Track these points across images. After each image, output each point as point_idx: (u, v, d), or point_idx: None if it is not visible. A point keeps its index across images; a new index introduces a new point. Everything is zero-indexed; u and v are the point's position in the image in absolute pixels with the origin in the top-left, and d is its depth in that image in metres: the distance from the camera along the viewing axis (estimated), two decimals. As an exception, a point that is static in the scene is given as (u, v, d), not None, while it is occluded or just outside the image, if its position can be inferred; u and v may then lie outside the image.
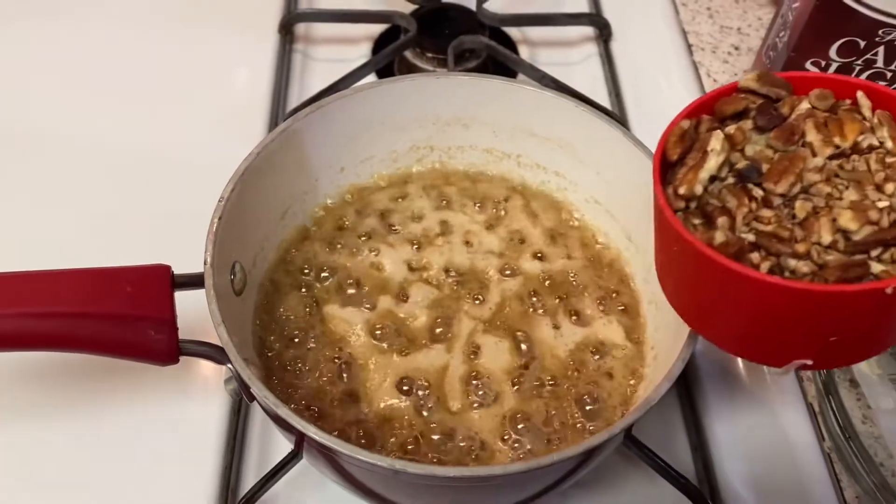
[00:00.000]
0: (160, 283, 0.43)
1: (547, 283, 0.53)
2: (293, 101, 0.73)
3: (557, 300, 0.52)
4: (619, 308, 0.52)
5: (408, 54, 0.77)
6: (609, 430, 0.39)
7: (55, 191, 0.66)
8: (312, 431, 0.38)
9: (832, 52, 0.62)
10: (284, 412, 0.38)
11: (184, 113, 0.72)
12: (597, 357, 0.50)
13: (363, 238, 0.55)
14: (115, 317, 0.41)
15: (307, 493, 0.52)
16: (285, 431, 0.44)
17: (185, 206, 0.61)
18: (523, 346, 0.50)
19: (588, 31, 0.81)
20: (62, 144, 0.69)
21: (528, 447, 0.46)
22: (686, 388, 0.57)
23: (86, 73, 0.75)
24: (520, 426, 0.47)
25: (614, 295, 0.53)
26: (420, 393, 0.48)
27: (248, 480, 0.52)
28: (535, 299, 0.52)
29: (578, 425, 0.47)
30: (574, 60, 0.80)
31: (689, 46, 0.80)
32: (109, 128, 0.70)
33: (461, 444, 0.46)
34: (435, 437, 0.46)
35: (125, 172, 0.67)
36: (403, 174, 0.58)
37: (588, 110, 0.52)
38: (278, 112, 0.72)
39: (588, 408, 0.48)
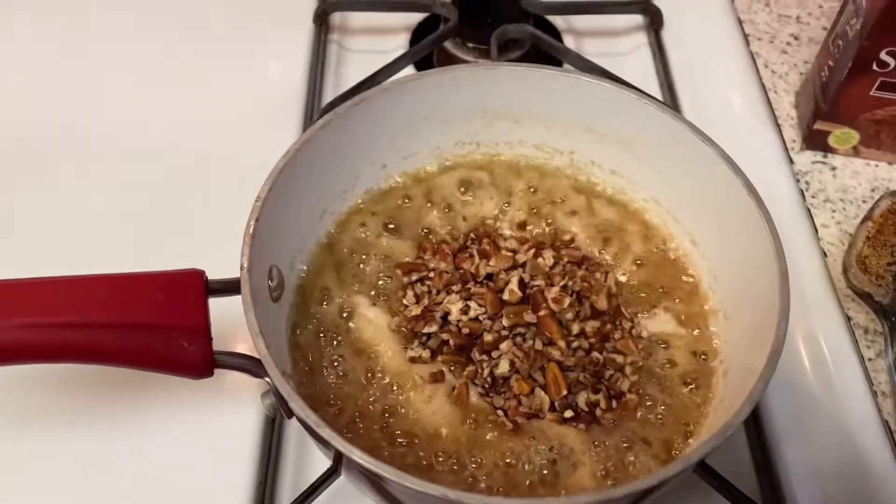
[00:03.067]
0: (193, 289, 0.40)
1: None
2: (329, 95, 0.70)
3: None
4: (682, 319, 0.48)
5: (448, 45, 0.73)
6: (685, 460, 0.36)
7: (81, 191, 0.63)
8: (357, 455, 0.35)
9: (911, 41, 0.57)
10: (327, 433, 0.35)
11: (216, 108, 0.69)
12: (657, 369, 0.46)
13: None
14: (145, 327, 0.37)
15: (346, 509, 0.49)
16: (325, 449, 0.40)
17: (217, 206, 0.58)
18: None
19: (638, 19, 0.77)
20: (89, 142, 0.66)
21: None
22: (750, 402, 0.53)
23: (115, 68, 0.72)
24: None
25: (677, 302, 0.49)
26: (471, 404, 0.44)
27: (284, 497, 0.49)
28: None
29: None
30: (623, 51, 0.75)
31: (746, 36, 0.76)
32: (138, 124, 0.67)
33: (524, 465, 0.42)
34: (484, 456, 0.43)
35: (155, 171, 0.64)
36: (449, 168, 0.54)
37: (652, 103, 0.48)
38: (314, 106, 0.68)
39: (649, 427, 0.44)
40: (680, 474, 0.36)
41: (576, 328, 0.46)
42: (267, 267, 0.44)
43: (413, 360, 0.46)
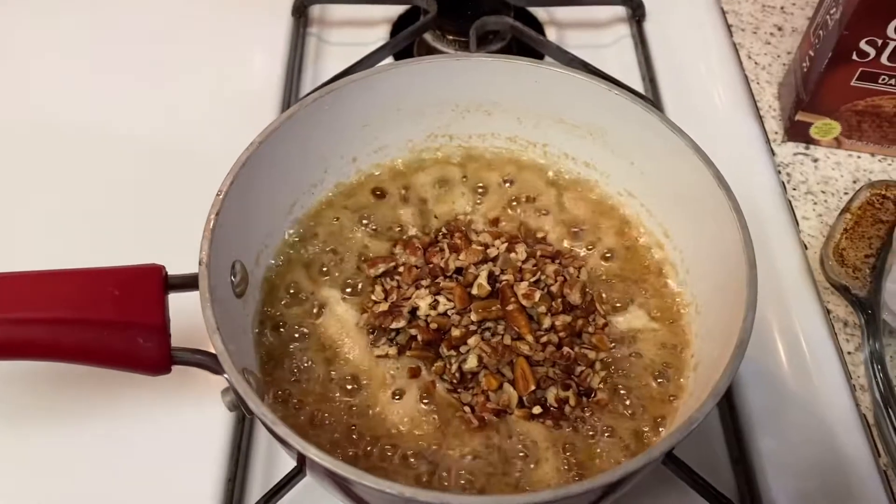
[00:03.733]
0: (151, 285, 0.39)
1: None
2: (307, 87, 0.70)
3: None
4: (655, 313, 0.48)
5: (427, 37, 0.73)
6: (648, 454, 0.35)
7: (40, 183, 0.62)
8: (313, 453, 0.34)
9: (890, 30, 0.56)
10: (283, 431, 0.35)
11: (191, 100, 0.68)
12: (628, 364, 0.46)
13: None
14: (100, 323, 0.37)
15: (315, 506, 0.48)
16: (287, 449, 0.40)
17: (186, 200, 0.57)
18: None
19: (619, 11, 0.76)
20: (54, 135, 0.65)
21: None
22: (726, 396, 0.53)
23: (89, 58, 0.71)
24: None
25: (649, 296, 0.48)
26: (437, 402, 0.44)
27: (253, 493, 0.49)
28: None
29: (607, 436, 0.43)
30: (605, 43, 0.75)
31: (729, 27, 0.75)
32: (108, 117, 0.66)
33: (488, 461, 0.42)
34: (456, 450, 0.42)
35: (121, 163, 0.63)
36: (418, 163, 0.53)
37: (622, 94, 0.47)
38: (290, 98, 0.68)
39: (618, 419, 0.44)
40: (643, 469, 0.36)
41: (546, 322, 0.46)
42: (230, 262, 0.43)
43: (380, 357, 0.45)
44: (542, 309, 0.46)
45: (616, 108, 0.48)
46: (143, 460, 0.50)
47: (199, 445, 0.50)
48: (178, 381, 0.50)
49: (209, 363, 0.39)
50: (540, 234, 0.51)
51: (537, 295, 0.46)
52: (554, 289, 0.47)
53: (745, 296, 0.39)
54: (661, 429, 0.44)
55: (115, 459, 0.50)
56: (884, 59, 0.58)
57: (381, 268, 0.48)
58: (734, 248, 0.42)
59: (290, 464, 0.48)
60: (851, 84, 0.60)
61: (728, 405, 0.53)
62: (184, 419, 0.51)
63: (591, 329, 0.47)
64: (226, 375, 0.38)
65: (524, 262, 0.48)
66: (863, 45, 0.58)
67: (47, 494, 0.48)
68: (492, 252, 0.48)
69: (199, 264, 0.39)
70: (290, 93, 0.68)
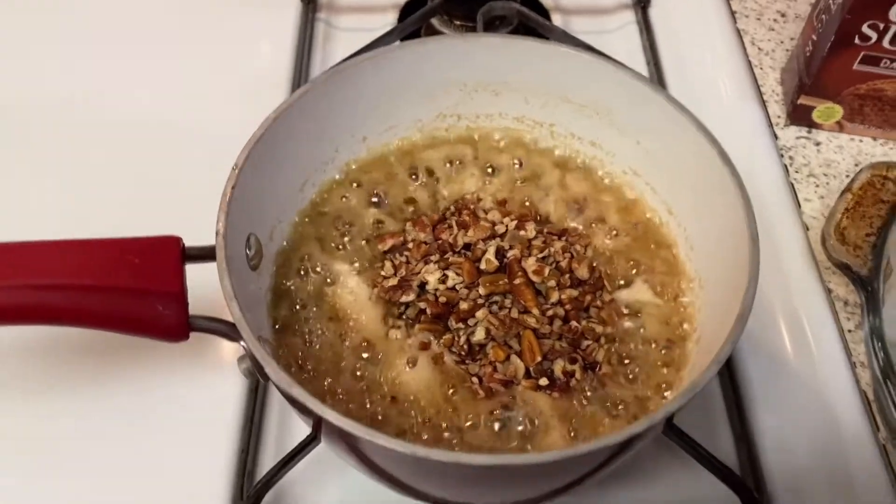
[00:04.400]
0: (169, 254, 0.40)
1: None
2: (316, 71, 0.71)
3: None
4: (659, 288, 0.49)
5: (435, 21, 0.73)
6: (650, 418, 0.36)
7: (63, 159, 0.64)
8: (329, 414, 0.35)
9: (892, 14, 0.57)
10: (299, 393, 0.36)
11: (202, 84, 0.69)
12: (632, 338, 0.47)
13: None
14: (121, 290, 0.38)
15: (327, 477, 0.49)
16: (302, 414, 0.41)
17: (200, 178, 0.58)
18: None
19: (625, -4, 0.77)
20: (73, 112, 0.66)
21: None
22: (728, 372, 0.54)
23: (102, 40, 0.72)
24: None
25: (654, 272, 0.49)
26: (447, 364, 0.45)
27: (266, 464, 0.50)
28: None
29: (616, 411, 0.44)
30: (610, 28, 0.75)
31: (733, 13, 0.76)
32: (124, 97, 0.68)
33: (496, 427, 0.43)
34: (464, 418, 0.43)
35: (139, 143, 0.64)
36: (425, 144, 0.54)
37: (628, 73, 0.48)
38: (300, 83, 0.69)
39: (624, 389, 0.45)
40: (648, 432, 0.37)
41: (554, 297, 0.47)
42: (245, 235, 0.45)
43: (392, 328, 0.46)
44: (552, 283, 0.47)
45: (623, 87, 0.49)
46: (156, 433, 0.51)
47: (211, 417, 0.51)
48: (189, 353, 0.52)
49: (225, 330, 0.41)
50: (545, 213, 0.52)
51: (546, 270, 0.47)
52: (562, 264, 0.48)
53: (747, 269, 0.40)
54: (664, 398, 0.45)
55: (126, 432, 0.51)
56: (885, 43, 0.59)
57: (390, 243, 0.49)
58: (737, 224, 0.43)
59: (301, 433, 0.49)
60: (853, 68, 0.61)
61: (731, 382, 0.54)
62: (196, 392, 0.52)
63: (598, 304, 0.48)
64: (242, 343, 0.39)
65: (533, 238, 0.49)
66: (865, 28, 0.58)
67: (59, 464, 0.50)
68: (499, 229, 0.50)
69: (217, 234, 0.40)
70: (300, 77, 0.69)
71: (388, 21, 0.75)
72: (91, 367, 0.53)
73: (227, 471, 0.49)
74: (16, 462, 0.50)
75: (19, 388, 0.52)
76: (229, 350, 0.53)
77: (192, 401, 0.51)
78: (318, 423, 0.40)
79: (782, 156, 0.65)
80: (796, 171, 0.65)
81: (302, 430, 0.51)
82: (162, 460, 0.50)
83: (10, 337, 0.52)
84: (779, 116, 0.68)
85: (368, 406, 0.44)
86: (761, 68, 0.72)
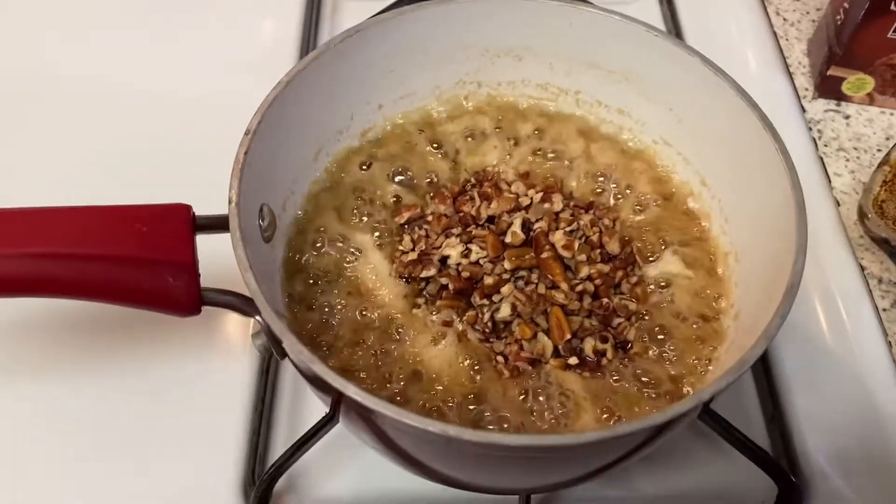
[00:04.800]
0: (179, 223, 0.37)
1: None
2: (324, 41, 0.68)
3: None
4: (691, 261, 0.46)
5: (448, -9, 0.70)
6: (697, 395, 0.34)
7: (71, 128, 0.61)
8: (352, 391, 0.33)
9: (930, -21, 0.55)
10: (321, 369, 0.33)
11: (209, 55, 0.66)
12: (665, 315, 0.44)
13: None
14: (129, 259, 0.35)
15: (343, 459, 0.48)
16: (320, 392, 0.39)
17: (209, 149, 0.56)
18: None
19: (645, -34, 0.74)
20: (81, 83, 0.64)
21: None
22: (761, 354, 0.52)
23: (108, 13, 0.70)
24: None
25: (686, 245, 0.47)
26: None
27: (278, 446, 0.48)
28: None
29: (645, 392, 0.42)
30: (629, -1, 0.73)
31: (757, -18, 0.73)
32: (129, 68, 0.65)
33: (526, 409, 0.41)
34: (491, 400, 0.41)
35: (146, 114, 0.62)
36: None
37: (662, 36, 0.46)
38: (308, 52, 0.66)
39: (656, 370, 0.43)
40: (691, 412, 0.34)
41: (584, 272, 0.44)
42: (257, 205, 0.42)
43: (414, 306, 0.44)
44: (582, 258, 0.44)
45: (655, 51, 0.46)
46: (167, 414, 0.48)
47: (220, 398, 0.48)
48: (196, 331, 0.50)
49: (239, 304, 0.38)
50: (570, 184, 0.50)
51: (576, 244, 0.44)
52: (592, 238, 0.46)
53: (794, 239, 0.38)
54: (699, 380, 0.43)
55: (137, 414, 0.49)
56: (924, 10, 0.56)
57: (406, 216, 0.47)
58: (780, 192, 0.40)
59: (314, 416, 0.47)
60: (888, 36, 0.59)
61: (762, 363, 0.52)
62: (207, 373, 0.50)
63: (631, 280, 0.45)
64: (258, 317, 0.37)
65: (560, 211, 0.46)
66: (900, -4, 0.56)
67: (59, 444, 0.47)
68: (524, 201, 0.47)
69: (230, 203, 0.38)
70: (307, 50, 0.67)
71: (399, -10, 0.72)
72: (94, 346, 0.50)
73: (238, 454, 0.47)
74: (20, 444, 0.48)
75: (19, 368, 0.50)
76: (237, 328, 0.51)
77: (200, 381, 0.49)
78: (338, 402, 0.38)
79: (810, 129, 0.63)
80: (825, 146, 0.62)
81: (314, 411, 0.49)
82: (170, 444, 0.47)
83: (8, 312, 0.50)
84: (806, 89, 0.66)
85: (389, 385, 0.41)
86: (787, 39, 0.69)
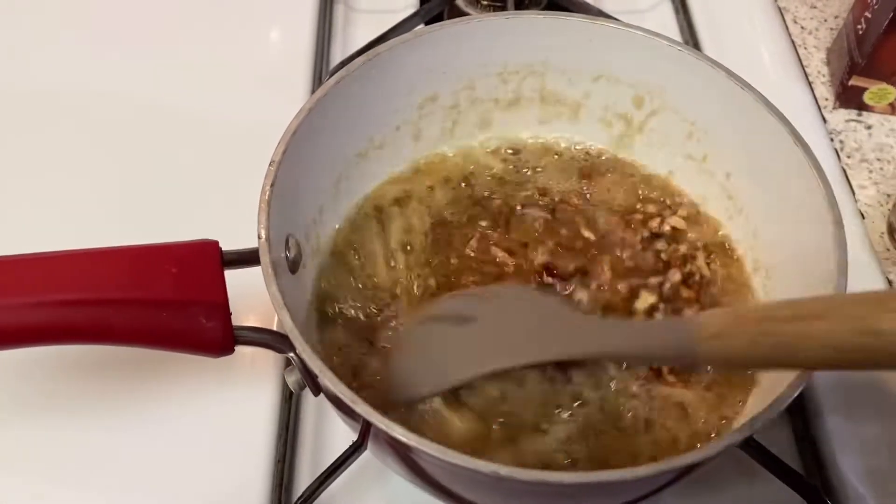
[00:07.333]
0: (209, 261, 0.37)
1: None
2: (337, 57, 0.67)
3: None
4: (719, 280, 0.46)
5: (460, 2, 0.70)
6: (746, 428, 0.33)
7: (83, 160, 0.60)
8: (399, 433, 0.32)
9: (955, -13, 0.54)
10: (363, 409, 0.33)
11: (219, 74, 0.65)
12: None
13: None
14: (161, 303, 0.35)
15: (368, 487, 0.47)
16: (352, 422, 0.38)
17: (224, 174, 0.55)
18: None
19: (659, -27, 0.73)
20: (90, 108, 0.63)
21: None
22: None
23: (115, 32, 0.68)
24: None
25: (711, 262, 0.47)
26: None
27: (303, 475, 0.47)
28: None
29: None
30: (644, 7, 0.72)
31: (773, -10, 0.72)
32: (140, 90, 0.64)
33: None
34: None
35: (156, 140, 0.60)
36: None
37: (686, 50, 0.45)
38: (322, 69, 0.65)
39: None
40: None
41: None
42: (283, 236, 0.41)
43: None
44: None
45: (677, 65, 0.46)
46: (190, 445, 0.47)
47: (246, 428, 0.48)
48: (222, 365, 0.48)
49: (273, 342, 0.37)
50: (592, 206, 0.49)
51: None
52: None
53: (834, 257, 0.38)
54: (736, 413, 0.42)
55: (160, 444, 0.47)
56: (948, 19, 0.56)
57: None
58: (814, 209, 0.40)
59: (339, 443, 0.46)
60: (912, 46, 0.58)
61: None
62: (230, 402, 0.48)
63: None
64: (292, 354, 0.36)
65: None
66: (924, 5, 0.55)
67: (91, 478, 0.46)
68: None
69: (259, 238, 0.37)
70: (321, 64, 0.66)
71: (410, 1, 0.72)
72: (118, 379, 0.49)
73: (262, 484, 0.46)
74: (42, 479, 0.47)
75: (42, 403, 0.49)
76: (261, 359, 0.50)
77: (224, 413, 0.48)
78: (366, 431, 0.37)
79: (832, 140, 0.62)
80: (847, 157, 0.62)
81: (338, 439, 0.48)
82: (196, 473, 0.46)
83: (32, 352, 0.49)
84: (826, 99, 0.65)
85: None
86: (805, 48, 0.68)
